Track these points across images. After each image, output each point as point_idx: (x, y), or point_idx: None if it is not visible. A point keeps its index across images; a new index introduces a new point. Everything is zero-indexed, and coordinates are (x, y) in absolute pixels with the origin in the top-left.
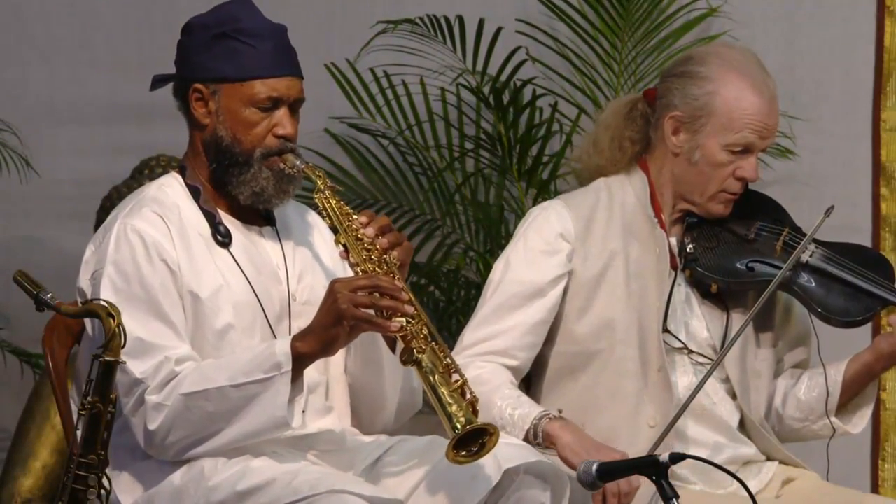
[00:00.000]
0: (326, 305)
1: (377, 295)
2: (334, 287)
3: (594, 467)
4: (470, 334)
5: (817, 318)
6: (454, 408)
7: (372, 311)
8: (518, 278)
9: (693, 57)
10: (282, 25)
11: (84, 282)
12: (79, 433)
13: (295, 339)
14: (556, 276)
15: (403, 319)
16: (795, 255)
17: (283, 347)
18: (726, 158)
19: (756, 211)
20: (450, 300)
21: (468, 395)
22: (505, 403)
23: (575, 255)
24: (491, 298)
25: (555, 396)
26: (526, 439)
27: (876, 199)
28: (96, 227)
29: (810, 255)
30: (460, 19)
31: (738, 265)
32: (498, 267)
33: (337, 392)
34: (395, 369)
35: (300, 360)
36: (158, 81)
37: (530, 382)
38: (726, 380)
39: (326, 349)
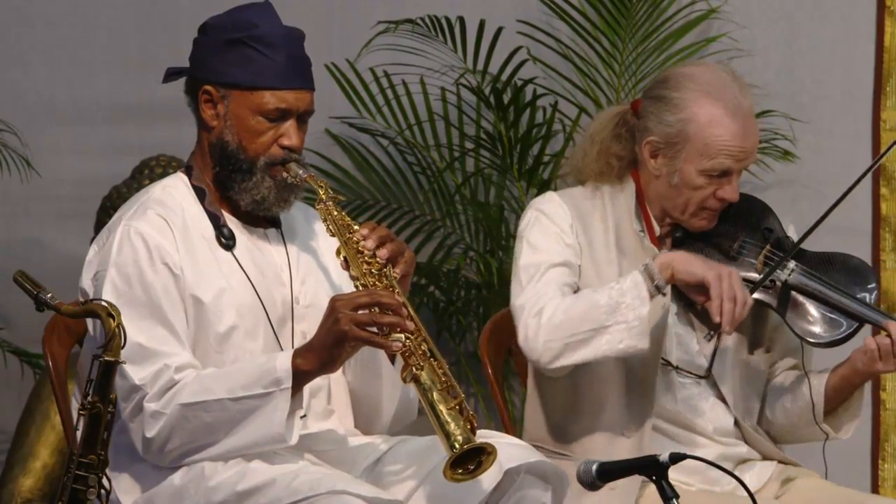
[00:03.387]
0: (327, 325)
1: (378, 311)
2: (335, 306)
3: (594, 467)
4: (520, 299)
5: (797, 337)
6: (452, 426)
7: (374, 328)
8: (546, 248)
9: (668, 80)
10: (299, 33)
11: (86, 282)
12: (79, 433)
13: (296, 354)
14: (575, 263)
15: (403, 336)
16: (763, 279)
17: (283, 363)
18: (704, 182)
19: (742, 222)
20: (450, 300)
21: (466, 413)
22: (603, 291)
23: (582, 254)
24: (525, 277)
25: (541, 394)
26: (649, 290)
27: (876, 199)
28: (96, 227)
29: (789, 274)
30: (461, 20)
31: None
32: (521, 252)
33: (338, 395)
34: (393, 380)
35: (300, 377)
36: (172, 74)
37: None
38: (717, 387)
39: (327, 367)
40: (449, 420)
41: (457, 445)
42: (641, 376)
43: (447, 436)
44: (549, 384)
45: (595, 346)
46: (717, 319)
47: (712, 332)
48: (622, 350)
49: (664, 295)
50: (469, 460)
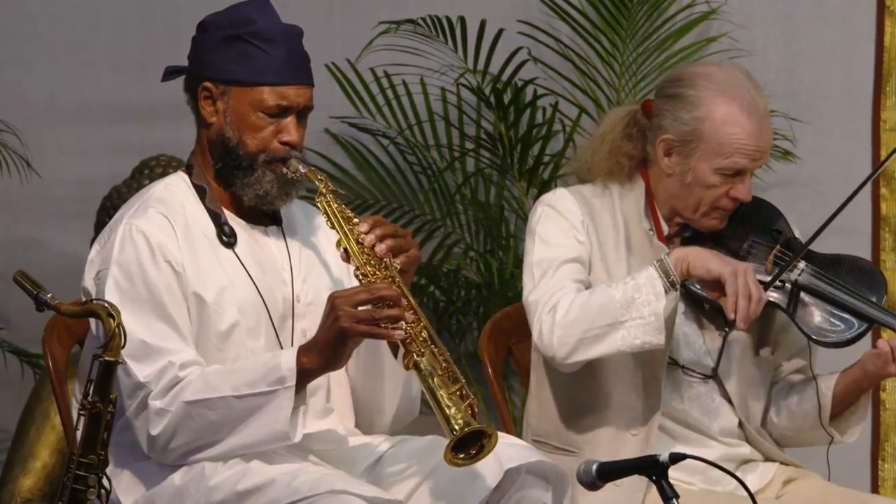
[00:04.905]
0: (328, 323)
1: (378, 305)
2: (335, 303)
3: (594, 467)
4: (533, 295)
5: (805, 337)
6: (453, 410)
7: (375, 320)
8: (558, 244)
9: (683, 78)
10: (297, 29)
11: (88, 281)
12: (79, 433)
13: (300, 353)
14: (586, 259)
15: (404, 325)
16: (774, 278)
17: (288, 362)
18: (718, 181)
19: (751, 223)
20: (450, 300)
21: (467, 398)
22: (617, 287)
23: (592, 251)
24: (538, 272)
25: (547, 389)
26: (664, 285)
27: (876, 199)
28: (96, 226)
29: (799, 274)
30: (462, 20)
31: None
32: (533, 248)
33: (338, 394)
34: (395, 377)
35: (305, 376)
36: (171, 73)
37: (528, 372)
38: (723, 387)
39: (331, 365)
40: (450, 404)
41: (457, 429)
42: (649, 374)
43: (447, 420)
44: (554, 380)
45: (610, 341)
46: (731, 316)
47: (727, 329)
48: (638, 346)
49: (677, 290)
50: (470, 444)
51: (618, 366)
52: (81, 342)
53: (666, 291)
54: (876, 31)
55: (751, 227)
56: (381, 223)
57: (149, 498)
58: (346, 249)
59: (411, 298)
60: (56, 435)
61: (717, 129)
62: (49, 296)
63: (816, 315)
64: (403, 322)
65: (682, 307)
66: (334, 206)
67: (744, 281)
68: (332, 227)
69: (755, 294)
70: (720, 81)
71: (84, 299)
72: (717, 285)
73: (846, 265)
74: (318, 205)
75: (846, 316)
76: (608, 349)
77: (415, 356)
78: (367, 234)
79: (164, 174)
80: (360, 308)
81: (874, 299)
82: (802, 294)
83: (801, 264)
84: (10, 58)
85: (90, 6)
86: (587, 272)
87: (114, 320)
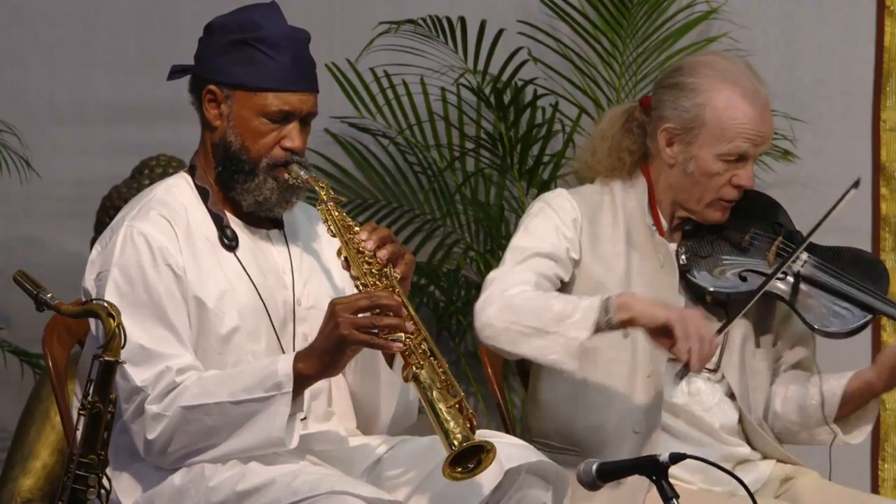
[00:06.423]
0: (328, 329)
1: (378, 313)
2: (335, 310)
3: (594, 467)
4: (495, 273)
5: (808, 328)
6: (451, 424)
7: (374, 330)
8: (539, 236)
9: (683, 67)
10: (304, 34)
11: (89, 282)
12: (79, 433)
13: (297, 359)
14: (570, 257)
15: (403, 336)
16: (776, 270)
17: (285, 367)
18: (721, 168)
19: (753, 216)
20: (450, 300)
21: (466, 412)
22: (563, 299)
23: (584, 249)
24: (511, 257)
25: (548, 388)
26: (597, 319)
27: (876, 199)
28: (96, 227)
29: (802, 265)
30: (462, 20)
31: (730, 275)
32: (515, 235)
33: (339, 398)
34: (392, 384)
35: (301, 381)
36: (176, 72)
37: (527, 373)
38: (724, 380)
39: (328, 371)
40: (448, 418)
41: (456, 443)
42: (650, 371)
43: (446, 434)
44: (554, 379)
45: (530, 345)
46: (684, 359)
47: (683, 371)
48: (550, 361)
49: (611, 330)
50: (468, 458)
51: (618, 363)
52: (81, 342)
53: (597, 327)
54: (876, 31)
55: (752, 219)
56: (377, 228)
57: (148, 498)
58: (346, 258)
59: (411, 309)
60: (56, 435)
61: (718, 114)
62: (49, 296)
63: (819, 305)
64: (403, 333)
65: (683, 301)
66: (335, 214)
67: (694, 325)
68: (334, 235)
69: (707, 336)
70: (720, 69)
71: (84, 299)
72: (666, 332)
73: (848, 257)
74: (319, 213)
75: (849, 306)
76: (525, 351)
77: (414, 368)
78: (366, 241)
79: (164, 174)
80: (360, 315)
81: (876, 290)
82: (805, 285)
83: (804, 255)
84: (10, 58)
85: (90, 6)
86: (564, 269)
87: (114, 320)
